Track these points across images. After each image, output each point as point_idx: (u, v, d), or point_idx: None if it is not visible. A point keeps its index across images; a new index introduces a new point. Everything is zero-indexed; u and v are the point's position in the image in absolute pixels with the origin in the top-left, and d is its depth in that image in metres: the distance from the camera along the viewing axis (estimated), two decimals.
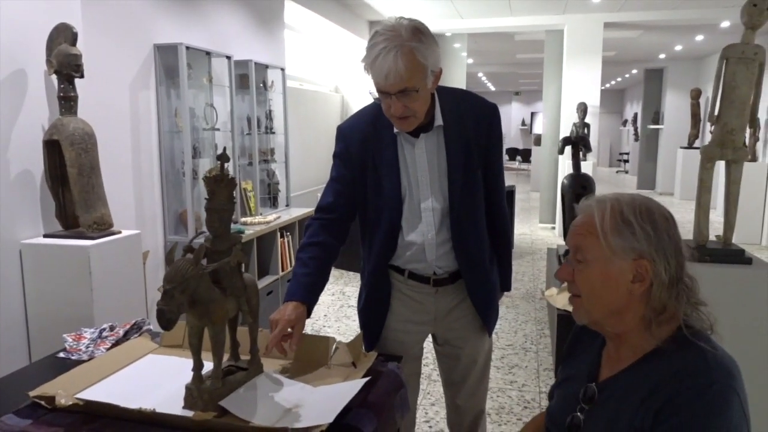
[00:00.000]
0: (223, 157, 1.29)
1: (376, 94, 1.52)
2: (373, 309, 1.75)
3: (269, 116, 4.66)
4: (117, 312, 2.33)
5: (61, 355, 1.58)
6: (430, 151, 1.61)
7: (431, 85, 1.51)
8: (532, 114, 21.05)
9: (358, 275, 5.56)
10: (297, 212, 4.69)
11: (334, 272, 5.70)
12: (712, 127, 2.25)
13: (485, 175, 1.67)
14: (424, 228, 1.64)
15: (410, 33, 1.43)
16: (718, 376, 0.92)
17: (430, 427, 2.81)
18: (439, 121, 1.59)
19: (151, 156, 3.44)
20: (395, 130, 1.60)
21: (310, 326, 4.23)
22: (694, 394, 0.91)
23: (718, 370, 0.93)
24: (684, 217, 9.03)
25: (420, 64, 1.43)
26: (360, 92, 7.91)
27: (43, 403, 1.24)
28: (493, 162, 1.69)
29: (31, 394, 1.26)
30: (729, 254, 2.15)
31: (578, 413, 1.10)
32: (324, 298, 4.91)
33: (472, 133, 1.62)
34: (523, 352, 3.76)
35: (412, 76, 1.43)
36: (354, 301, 4.80)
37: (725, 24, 7.91)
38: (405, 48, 1.41)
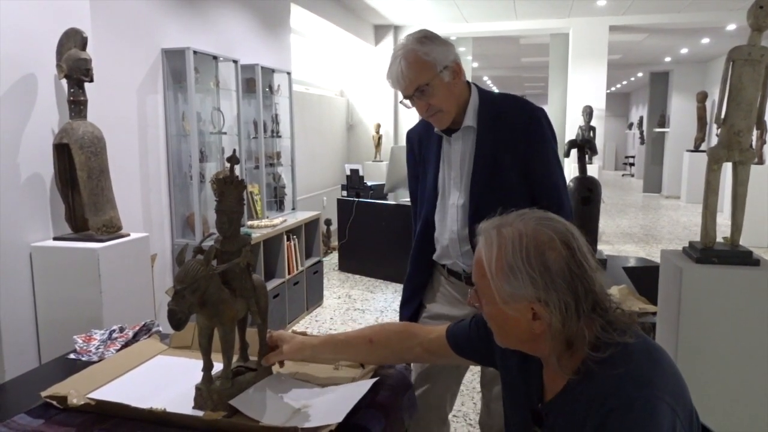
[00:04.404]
0: (232, 159, 1.29)
1: (407, 103, 1.64)
2: (411, 303, 1.86)
3: (275, 120, 4.68)
4: (126, 314, 2.34)
5: (72, 356, 1.59)
6: (463, 150, 1.69)
7: (450, 79, 1.59)
8: None
9: (364, 278, 5.58)
10: (303, 215, 4.70)
11: (340, 275, 5.71)
12: (719, 130, 2.25)
13: (529, 179, 1.67)
14: (449, 223, 1.71)
15: (414, 40, 1.58)
16: (636, 393, 0.88)
17: None
18: (468, 122, 1.66)
19: (159, 159, 3.46)
20: (436, 129, 1.70)
21: (317, 329, 4.24)
22: (620, 417, 0.87)
23: (634, 386, 0.89)
24: (690, 221, 9.01)
25: (423, 61, 1.55)
26: (365, 96, 7.93)
27: (54, 403, 1.25)
28: (536, 166, 1.67)
29: (43, 394, 1.27)
30: (736, 256, 2.15)
31: None
32: (330, 301, 4.92)
33: (506, 135, 1.64)
34: None
35: (419, 74, 1.55)
36: (359, 305, 4.80)
37: (731, 27, 7.89)
38: (409, 53, 1.56)
